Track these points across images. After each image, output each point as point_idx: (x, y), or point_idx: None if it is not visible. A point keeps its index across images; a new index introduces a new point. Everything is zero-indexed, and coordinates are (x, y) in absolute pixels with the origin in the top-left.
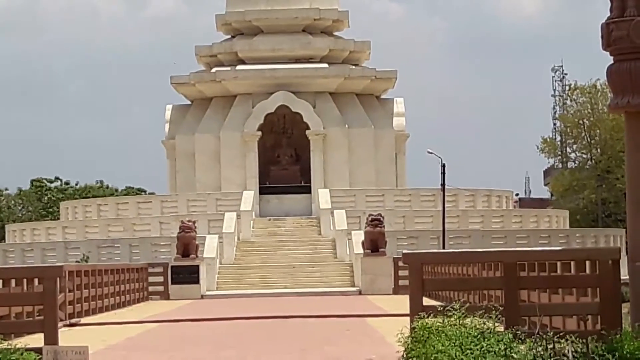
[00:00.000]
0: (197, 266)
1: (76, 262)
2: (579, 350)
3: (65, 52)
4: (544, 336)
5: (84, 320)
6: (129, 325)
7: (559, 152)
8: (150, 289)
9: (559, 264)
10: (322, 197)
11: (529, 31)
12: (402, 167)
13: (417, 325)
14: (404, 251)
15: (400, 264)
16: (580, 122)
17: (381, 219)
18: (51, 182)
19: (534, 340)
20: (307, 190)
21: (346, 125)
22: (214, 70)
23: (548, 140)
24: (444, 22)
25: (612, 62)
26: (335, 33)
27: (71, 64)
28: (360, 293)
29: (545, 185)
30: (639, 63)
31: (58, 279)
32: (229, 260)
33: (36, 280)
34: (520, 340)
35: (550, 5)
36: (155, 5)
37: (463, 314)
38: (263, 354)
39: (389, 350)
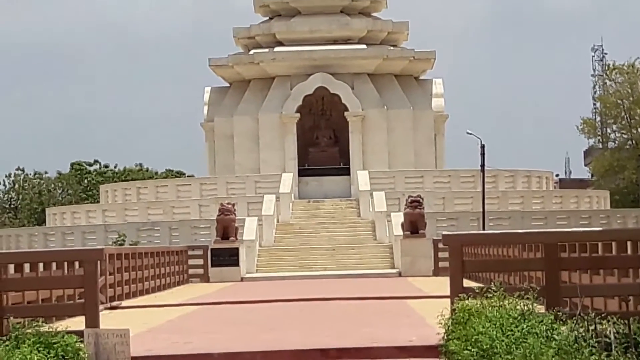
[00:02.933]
0: (237, 249)
1: (112, 243)
2: (620, 331)
3: (106, 34)
4: (586, 317)
5: (124, 303)
6: (170, 307)
7: (599, 133)
8: (190, 271)
9: (600, 244)
10: (361, 178)
11: (569, 9)
12: (441, 148)
13: (458, 307)
14: (444, 233)
15: (440, 245)
16: (620, 102)
17: (420, 200)
18: (90, 165)
19: (575, 321)
20: (346, 172)
21: (385, 107)
22: (252, 52)
23: (588, 120)
24: (484, 1)
25: None
26: (373, 14)
27: (111, 46)
28: (400, 275)
29: (585, 165)
30: None
31: (98, 261)
32: (269, 242)
33: (77, 264)
34: (561, 322)
35: None
36: None
37: (503, 295)
38: (302, 336)
39: (430, 332)
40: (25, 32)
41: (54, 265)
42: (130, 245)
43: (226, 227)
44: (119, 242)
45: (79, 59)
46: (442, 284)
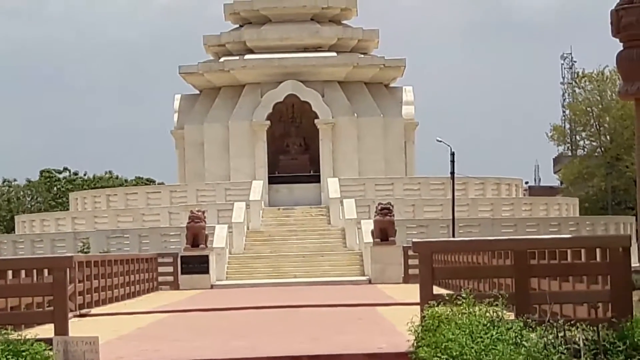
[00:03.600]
0: (207, 256)
1: (78, 251)
2: (589, 338)
3: (74, 40)
4: (555, 324)
5: (94, 310)
6: (140, 315)
7: (568, 140)
8: (160, 279)
9: (569, 251)
10: (332, 186)
11: (539, 18)
12: (411, 156)
13: (427, 314)
14: (414, 240)
15: (410, 252)
16: (589, 109)
17: (390, 207)
18: (60, 172)
19: (544, 328)
20: (316, 179)
21: (355, 114)
22: (222, 59)
23: (557, 128)
24: (454, 9)
25: (621, 48)
26: (344, 21)
27: (81, 53)
28: (370, 282)
29: (554, 173)
30: None
31: (68, 269)
32: (239, 250)
33: (46, 271)
34: (530, 329)
35: None
36: None
37: (473, 302)
38: (273, 343)
39: (400, 339)
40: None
41: (23, 272)
42: (100, 253)
43: (196, 235)
44: (84, 250)
45: (46, 66)
46: (412, 291)
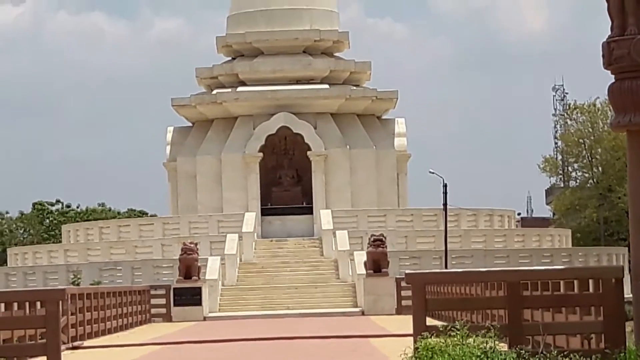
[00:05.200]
0: (200, 288)
1: (70, 284)
2: None
3: (67, 72)
4: (548, 355)
5: (86, 343)
6: (132, 347)
7: (561, 171)
8: (153, 311)
9: (562, 282)
10: (324, 217)
11: (531, 50)
12: (403, 188)
13: (421, 345)
14: (407, 271)
15: (403, 284)
16: (581, 141)
17: (383, 239)
18: (52, 205)
19: (537, 359)
20: (308, 211)
21: (347, 146)
22: (214, 92)
23: (549, 159)
24: (446, 41)
25: (613, 80)
26: (336, 54)
27: (73, 85)
28: (363, 313)
29: (547, 204)
30: (639, 82)
31: (60, 302)
32: (232, 281)
33: (38, 304)
34: (524, 359)
35: (553, 24)
36: (158, 27)
37: (466, 333)
38: None
39: None
40: None
41: (15, 305)
42: (92, 285)
43: (189, 267)
44: (75, 282)
45: (39, 99)
46: (405, 323)
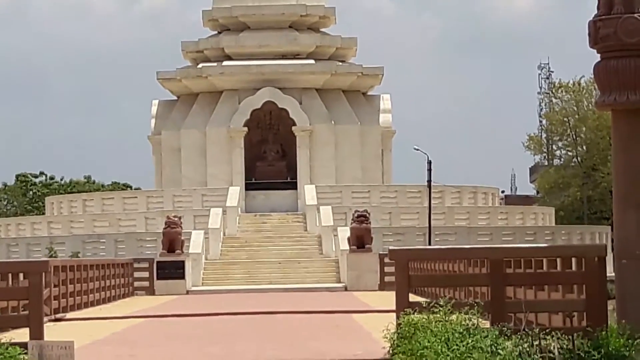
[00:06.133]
0: (183, 262)
1: (45, 256)
2: (564, 346)
3: (52, 47)
4: (530, 332)
5: (69, 315)
6: (115, 320)
7: (545, 150)
8: (136, 284)
9: (545, 260)
10: (308, 193)
11: (517, 29)
12: (388, 164)
13: (403, 321)
14: (390, 247)
15: (386, 260)
16: (566, 119)
17: (367, 215)
18: (36, 177)
19: (519, 336)
20: (293, 186)
21: (332, 122)
22: (200, 65)
23: (534, 137)
24: (433, 19)
25: (599, 59)
26: (322, 29)
27: (58, 60)
28: (346, 289)
29: (531, 182)
30: (626, 61)
31: (43, 273)
32: (215, 255)
33: (21, 275)
34: (506, 337)
35: (539, 3)
36: (145, 1)
37: (449, 310)
38: (248, 349)
39: (375, 346)
40: None
41: None
42: (70, 257)
43: (172, 240)
44: (51, 255)
45: (25, 73)
46: (388, 299)
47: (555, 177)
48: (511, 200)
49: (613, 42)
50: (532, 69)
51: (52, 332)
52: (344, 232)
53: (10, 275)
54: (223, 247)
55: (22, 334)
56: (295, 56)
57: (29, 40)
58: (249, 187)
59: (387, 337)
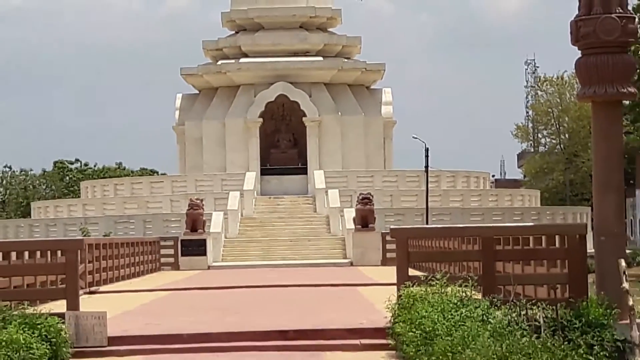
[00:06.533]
0: (204, 240)
1: (83, 234)
2: (549, 316)
3: (86, 46)
4: (518, 303)
5: (102, 288)
6: (143, 293)
7: (531, 138)
8: (162, 260)
9: (531, 238)
10: (317, 177)
11: (507, 27)
12: (389, 151)
13: (403, 293)
14: (392, 227)
15: (388, 238)
16: (550, 110)
17: (370, 197)
18: (72, 163)
19: (508, 307)
20: (303, 171)
21: (339, 113)
22: (219, 62)
23: (521, 126)
24: (430, 18)
25: (580, 55)
26: (330, 29)
27: (92, 58)
28: (351, 264)
29: (518, 167)
30: (604, 57)
31: (79, 251)
32: (233, 234)
33: (59, 252)
34: (496, 307)
35: (526, 4)
36: (169, 3)
37: (445, 283)
38: (263, 319)
39: (378, 316)
40: (9, 48)
41: (38, 253)
42: (103, 236)
43: (195, 221)
44: (85, 234)
45: (63, 70)
46: (390, 273)
47: (541, 163)
48: (500, 183)
49: (593, 40)
50: (520, 65)
51: (87, 303)
52: (350, 213)
53: (49, 252)
54: (241, 227)
55: (59, 306)
56: (305, 53)
57: (66, 39)
58: (263, 172)
59: (388, 308)
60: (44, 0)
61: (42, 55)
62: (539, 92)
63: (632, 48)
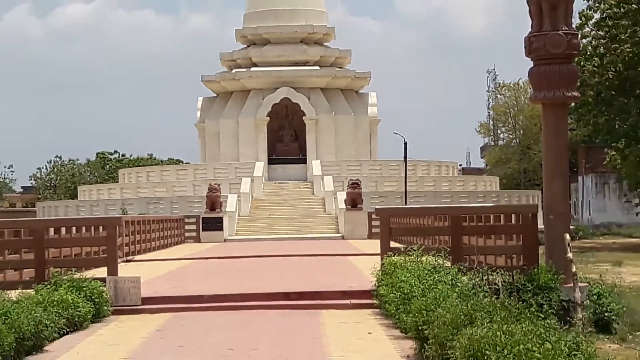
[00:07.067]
0: (221, 218)
1: (121, 213)
2: (506, 280)
3: (126, 58)
4: (481, 270)
5: (136, 257)
6: (170, 261)
7: (492, 133)
8: (186, 234)
9: (491, 216)
10: (315, 166)
11: (473, 42)
12: (374, 144)
13: (386, 261)
14: (376, 207)
15: (374, 216)
16: (507, 111)
17: (359, 182)
18: (111, 154)
19: (473, 273)
20: (303, 161)
21: (333, 113)
22: (234, 71)
23: (483, 124)
24: (410, 35)
25: (532, 65)
26: (325, 43)
27: (131, 67)
28: (343, 238)
29: (481, 158)
30: (552, 67)
31: (117, 226)
32: (245, 213)
33: (101, 228)
34: (462, 273)
35: (490, 23)
36: (193, 22)
37: (420, 253)
38: (271, 282)
39: (365, 280)
40: (65, 60)
41: (84, 229)
42: (138, 214)
43: (213, 202)
44: (123, 213)
45: (107, 78)
46: (375, 245)
47: (500, 154)
48: (466, 171)
49: (543, 53)
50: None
51: (124, 270)
52: (342, 196)
53: (92, 228)
54: (251, 207)
55: (101, 272)
56: (305, 64)
57: (111, 52)
58: (270, 162)
59: (373, 274)
60: (96, 21)
61: (91, 66)
62: (499, 96)
63: (576, 59)
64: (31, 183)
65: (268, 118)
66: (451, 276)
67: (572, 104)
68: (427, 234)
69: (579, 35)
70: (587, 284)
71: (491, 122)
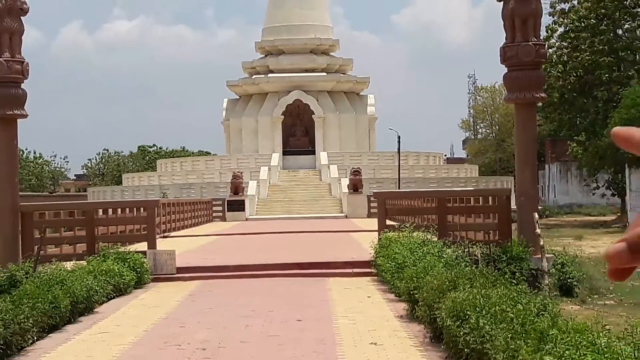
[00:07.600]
0: (243, 200)
1: (159, 196)
2: (484, 252)
3: (165, 65)
4: (462, 244)
5: (172, 234)
6: (201, 237)
7: (472, 128)
8: (214, 214)
9: (472, 198)
10: (322, 157)
11: (456, 51)
12: (372, 138)
13: (382, 237)
14: (374, 191)
15: (372, 199)
16: (485, 109)
17: (359, 171)
18: (151, 147)
19: (456, 246)
20: (313, 152)
21: (337, 112)
22: (254, 77)
23: (465, 120)
24: (403, 46)
25: (506, 71)
26: (331, 53)
27: (168, 73)
28: (346, 217)
29: (463, 149)
30: (523, 72)
31: (156, 208)
32: (263, 196)
33: (142, 209)
34: (447, 246)
35: (471, 35)
36: (220, 35)
37: (412, 230)
38: (285, 254)
39: (365, 253)
40: (112, 69)
41: (127, 210)
42: (175, 198)
43: (237, 187)
44: (162, 196)
45: (149, 83)
46: (373, 223)
47: (479, 146)
48: (450, 160)
49: (515, 61)
50: (464, 77)
51: (161, 244)
52: (345, 182)
53: (135, 209)
54: (269, 191)
55: (142, 246)
56: (314, 70)
57: (152, 60)
58: (285, 153)
59: (372, 247)
60: (138, 35)
61: (133, 73)
62: (478, 97)
63: (543, 66)
64: (83, 171)
65: (282, 116)
66: (437, 249)
67: (540, 104)
68: (417, 213)
69: (546, 46)
70: (552, 255)
71: (471, 119)
